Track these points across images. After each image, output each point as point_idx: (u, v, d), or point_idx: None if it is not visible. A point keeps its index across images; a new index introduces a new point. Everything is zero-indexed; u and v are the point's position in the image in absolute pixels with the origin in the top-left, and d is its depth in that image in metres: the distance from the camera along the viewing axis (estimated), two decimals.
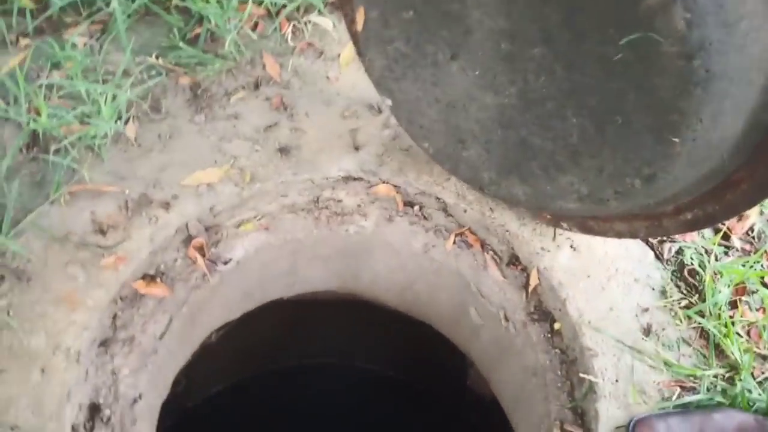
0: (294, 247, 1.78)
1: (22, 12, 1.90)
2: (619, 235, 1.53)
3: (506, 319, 1.69)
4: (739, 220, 1.77)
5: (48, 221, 1.60)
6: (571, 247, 1.68)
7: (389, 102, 1.49)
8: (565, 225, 1.61)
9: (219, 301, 1.77)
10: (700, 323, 1.57)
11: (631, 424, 1.40)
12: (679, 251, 1.70)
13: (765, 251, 1.69)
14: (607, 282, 1.64)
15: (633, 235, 1.51)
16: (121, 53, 1.88)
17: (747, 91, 1.12)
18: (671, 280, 1.66)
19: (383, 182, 1.77)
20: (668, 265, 1.68)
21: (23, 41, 1.90)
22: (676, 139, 1.14)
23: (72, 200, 1.64)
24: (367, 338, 2.64)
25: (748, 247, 1.74)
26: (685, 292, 1.63)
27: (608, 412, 1.47)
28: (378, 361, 2.95)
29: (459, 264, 1.75)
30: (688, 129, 1.13)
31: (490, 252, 1.74)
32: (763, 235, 1.76)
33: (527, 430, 1.65)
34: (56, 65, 1.83)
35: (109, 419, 1.46)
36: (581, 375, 1.52)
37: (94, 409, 1.46)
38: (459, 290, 1.79)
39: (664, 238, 1.70)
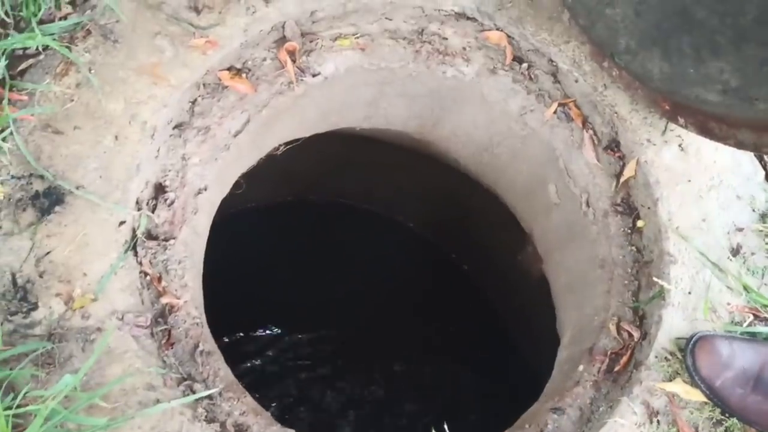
0: (385, 77, 1.68)
1: None
2: (741, 145, 1.40)
3: (587, 204, 1.60)
4: None
5: None
6: (680, 146, 1.56)
7: None
8: (682, 120, 1.48)
9: (297, 114, 1.69)
10: None
11: (694, 339, 1.34)
12: None
13: None
14: (708, 192, 1.53)
15: (757, 149, 1.38)
16: None
17: None
18: None
19: (497, 29, 1.63)
20: None
21: None
22: None
23: None
24: (426, 200, 2.57)
25: None
26: None
27: (672, 320, 1.41)
28: (431, 228, 2.90)
29: (552, 136, 1.64)
30: None
31: (591, 131, 1.62)
32: None
33: (574, 318, 1.61)
34: None
35: (172, 203, 1.43)
36: (654, 278, 1.45)
37: (160, 189, 1.43)
38: (543, 163, 1.69)
39: None
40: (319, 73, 1.61)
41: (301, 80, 1.59)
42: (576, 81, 1.60)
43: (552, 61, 1.61)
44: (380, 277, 2.80)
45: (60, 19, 1.43)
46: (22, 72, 1.39)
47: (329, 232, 2.88)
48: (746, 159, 1.56)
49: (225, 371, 1.35)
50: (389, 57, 1.65)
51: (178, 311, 1.34)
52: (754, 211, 1.53)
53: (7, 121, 1.32)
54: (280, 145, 1.86)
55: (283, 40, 1.57)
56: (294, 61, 1.58)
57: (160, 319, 1.32)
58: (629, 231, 1.56)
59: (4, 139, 1.32)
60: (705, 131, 1.45)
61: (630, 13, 1.26)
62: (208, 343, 1.36)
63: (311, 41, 1.61)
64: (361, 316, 2.81)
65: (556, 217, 1.74)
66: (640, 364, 1.38)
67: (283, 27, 1.56)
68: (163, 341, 1.30)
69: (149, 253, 1.37)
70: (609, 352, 1.44)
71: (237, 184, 1.77)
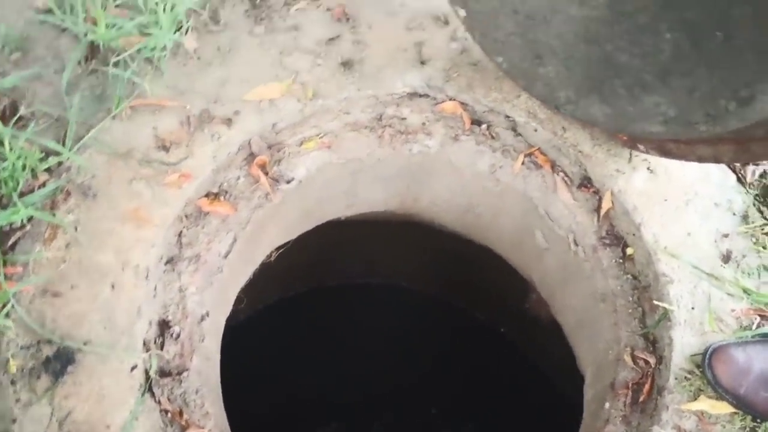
0: (355, 167, 1.74)
1: None
2: (701, 159, 1.45)
3: (575, 243, 1.64)
4: None
5: (111, 136, 1.58)
6: (648, 169, 1.61)
7: (463, 13, 1.40)
8: (642, 147, 1.53)
9: (280, 220, 1.75)
10: None
11: (709, 352, 1.36)
12: (764, 174, 1.61)
13: None
14: (685, 206, 1.57)
15: (716, 160, 1.42)
16: None
17: None
18: (754, 205, 1.58)
19: (450, 99, 1.70)
20: (751, 189, 1.60)
21: None
22: None
23: (133, 115, 1.61)
24: (424, 261, 2.61)
25: None
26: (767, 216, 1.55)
27: (683, 339, 1.43)
28: (435, 285, 2.94)
29: (526, 186, 1.69)
30: None
31: (561, 173, 1.67)
32: None
33: (592, 355, 1.63)
34: None
35: (178, 335, 1.47)
36: (655, 302, 1.48)
37: (164, 326, 1.48)
38: (524, 213, 1.74)
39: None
40: (292, 179, 1.67)
41: (277, 189, 1.65)
42: (535, 130, 1.66)
43: (508, 116, 1.68)
44: (408, 347, 2.83)
45: (39, 187, 1.50)
46: (13, 245, 1.45)
47: (344, 315, 2.91)
48: (714, 167, 1.60)
49: None
50: (355, 148, 1.72)
51: None
52: (734, 214, 1.56)
53: (7, 297, 1.37)
54: (272, 252, 1.91)
55: (252, 156, 1.64)
56: (266, 173, 1.64)
57: None
58: (621, 260, 1.59)
59: (7, 314, 1.37)
60: (665, 153, 1.50)
61: (561, 69, 1.32)
62: None
63: (279, 150, 1.68)
64: (400, 392, 2.83)
65: (549, 261, 1.77)
66: (663, 389, 1.39)
67: (249, 144, 1.63)
68: None
69: (166, 390, 1.40)
70: (630, 383, 1.45)
71: (238, 299, 1.82)
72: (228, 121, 1.62)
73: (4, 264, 1.42)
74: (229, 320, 1.72)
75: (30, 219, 1.46)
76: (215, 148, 1.59)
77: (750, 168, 1.61)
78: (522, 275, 1.97)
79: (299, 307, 3.07)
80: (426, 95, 1.71)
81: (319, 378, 2.84)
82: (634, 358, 1.47)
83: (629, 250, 1.57)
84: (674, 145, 1.47)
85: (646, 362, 1.46)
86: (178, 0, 1.68)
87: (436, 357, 2.98)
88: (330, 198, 1.84)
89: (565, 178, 1.66)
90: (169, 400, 1.39)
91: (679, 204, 1.57)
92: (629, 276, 1.57)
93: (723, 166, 1.61)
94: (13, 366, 1.34)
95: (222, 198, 1.61)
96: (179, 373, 1.43)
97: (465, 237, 2.05)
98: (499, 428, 2.88)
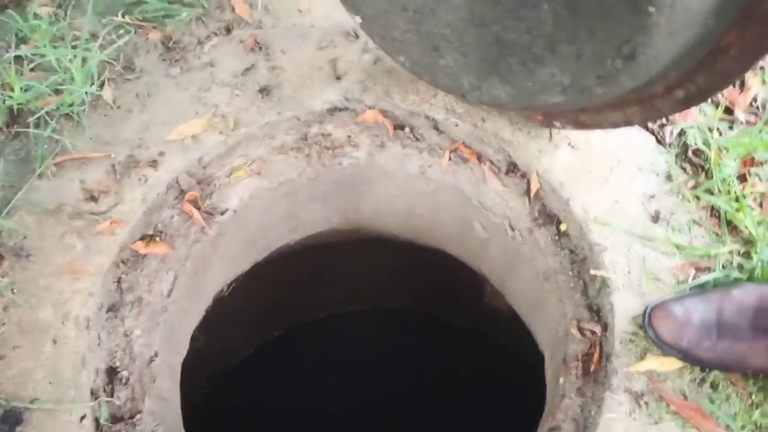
0: (289, 189, 1.76)
1: None
2: (614, 125, 1.48)
3: (511, 228, 1.66)
4: (742, 92, 1.70)
5: (39, 196, 1.59)
6: (570, 145, 1.63)
7: (359, 19, 1.43)
8: (557, 123, 1.56)
9: (223, 253, 1.76)
10: (709, 201, 1.52)
11: (648, 311, 1.37)
12: (682, 133, 1.64)
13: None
14: (610, 174, 1.59)
15: (628, 123, 1.45)
16: (88, 19, 1.84)
17: None
18: (676, 163, 1.60)
19: (370, 108, 1.73)
20: (671, 148, 1.63)
21: None
22: (652, 8, 1.07)
23: (59, 171, 1.62)
24: (379, 277, 2.62)
25: (752, 119, 1.67)
26: (691, 173, 1.58)
27: (623, 303, 1.44)
28: (407, 300, 2.94)
29: (457, 180, 1.71)
30: None
31: (488, 163, 1.69)
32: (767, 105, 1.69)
33: (546, 335, 1.63)
34: (23, 39, 1.79)
35: (127, 380, 1.47)
36: (592, 271, 1.49)
37: (112, 372, 1.47)
38: (461, 207, 1.75)
39: (665, 122, 1.64)
40: (226, 209, 1.68)
41: (213, 222, 1.66)
42: (456, 125, 1.69)
43: (428, 116, 1.70)
44: (394, 368, 2.83)
45: None
46: None
47: (334, 347, 2.90)
48: (634, 133, 1.63)
49: None
50: (285, 170, 1.73)
51: None
52: (658, 175, 1.58)
53: None
54: (223, 287, 1.91)
55: (182, 193, 1.65)
56: (199, 208, 1.66)
57: None
58: (557, 237, 1.60)
59: None
60: (580, 125, 1.53)
61: (458, 57, 1.35)
62: None
63: (209, 184, 1.69)
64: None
65: (493, 250, 1.78)
66: (610, 355, 1.40)
67: (177, 182, 1.64)
68: None
69: None
70: (580, 355, 1.46)
71: (195, 338, 1.81)
72: (153, 163, 1.64)
73: None
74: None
75: None
76: (144, 191, 1.61)
77: (668, 128, 1.63)
78: (474, 269, 1.98)
79: (288, 346, 3.08)
80: (346, 108, 1.73)
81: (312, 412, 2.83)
82: (580, 330, 1.48)
83: (563, 227, 1.59)
84: (586, 116, 1.50)
85: (593, 332, 1.46)
86: (89, 54, 1.71)
87: (423, 373, 2.98)
88: (271, 224, 1.85)
89: (492, 167, 1.69)
90: None
91: (604, 173, 1.59)
92: (566, 251, 1.59)
93: (642, 131, 1.64)
94: None
95: (158, 239, 1.62)
96: (131, 417, 1.42)
97: (415, 242, 2.07)
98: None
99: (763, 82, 1.72)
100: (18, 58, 1.75)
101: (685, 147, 1.61)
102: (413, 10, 1.33)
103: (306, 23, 1.85)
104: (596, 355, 1.44)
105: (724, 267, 1.44)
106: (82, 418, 1.36)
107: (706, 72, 1.27)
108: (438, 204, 1.81)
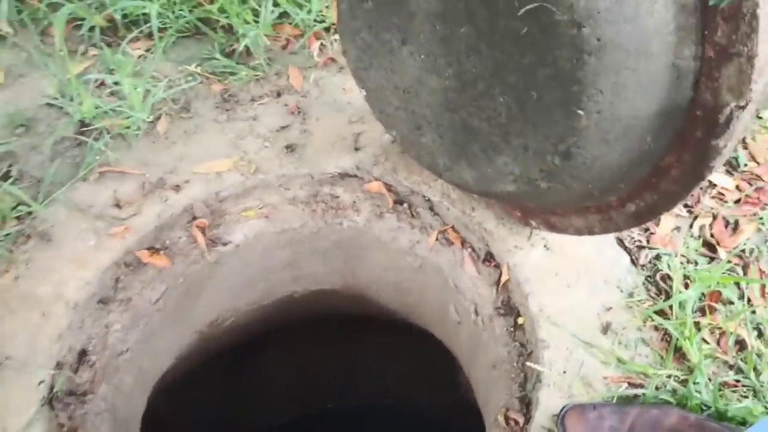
0: (292, 237, 1.92)
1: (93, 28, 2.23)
2: (578, 231, 1.55)
3: (476, 313, 1.73)
4: (733, 233, 1.72)
5: (76, 194, 1.84)
6: (545, 247, 1.71)
7: (364, 92, 1.62)
8: (533, 222, 1.65)
9: (220, 282, 1.93)
10: (661, 324, 1.53)
11: (564, 410, 1.39)
12: (658, 257, 1.67)
13: (749, 264, 1.63)
14: (575, 281, 1.64)
15: (590, 231, 1.52)
16: (169, 63, 2.15)
17: (649, 65, 1.15)
18: (643, 284, 1.63)
19: (376, 180, 1.89)
20: (643, 270, 1.66)
21: (92, 51, 2.21)
22: (581, 111, 1.19)
23: (100, 179, 1.88)
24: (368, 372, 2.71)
25: (737, 260, 1.68)
26: (654, 295, 1.60)
27: (549, 400, 1.46)
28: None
29: (439, 260, 1.81)
30: (589, 100, 1.17)
31: (469, 249, 1.79)
32: (755, 251, 1.69)
33: (488, 422, 1.65)
34: (111, 71, 2.12)
35: (93, 364, 1.64)
36: (527, 364, 1.52)
37: (83, 354, 1.64)
38: (441, 287, 1.84)
39: (643, 245, 1.69)
40: (229, 242, 1.87)
41: (214, 250, 1.85)
42: (448, 209, 1.81)
43: (425, 197, 1.84)
44: None
45: (6, 234, 1.76)
46: None
47: None
48: (609, 247, 1.69)
49: None
50: (291, 219, 1.91)
51: None
52: (622, 291, 1.62)
53: None
54: (220, 319, 2.07)
55: (194, 219, 1.86)
56: (204, 235, 1.85)
57: None
58: (512, 329, 1.65)
59: None
60: (550, 227, 1.61)
61: (436, 137, 1.50)
62: None
63: (220, 216, 1.89)
64: None
65: (463, 335, 1.84)
66: None
67: (192, 208, 1.85)
68: None
69: (69, 408, 1.54)
70: None
71: (181, 360, 1.97)
72: (177, 188, 1.86)
73: None
74: None
75: None
76: (161, 209, 1.82)
77: (644, 251, 1.67)
78: (454, 356, 2.03)
79: None
80: (355, 176, 1.90)
81: None
82: (506, 418, 1.51)
83: (520, 320, 1.64)
84: (555, 219, 1.59)
85: (516, 422, 1.48)
86: (154, 90, 2.00)
87: None
88: (273, 268, 2.01)
89: (472, 254, 1.78)
90: (69, 417, 1.53)
91: (570, 279, 1.64)
92: (517, 343, 1.63)
93: (618, 248, 1.69)
94: None
95: (161, 252, 1.82)
96: (84, 395, 1.57)
97: (406, 320, 2.15)
98: None
99: (759, 229, 1.73)
100: (103, 84, 2.07)
101: (656, 271, 1.64)
102: (403, 89, 1.51)
103: (344, 100, 2.07)
104: None
105: (657, 388, 1.44)
106: (41, 382, 1.53)
107: (652, 190, 1.34)
108: (423, 282, 1.91)
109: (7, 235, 1.74)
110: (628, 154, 1.27)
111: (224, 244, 1.86)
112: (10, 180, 1.86)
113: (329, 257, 2.01)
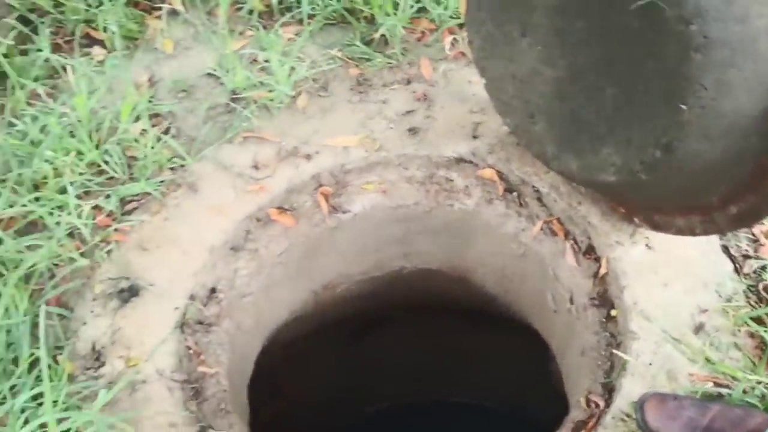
0: (405, 213, 2.07)
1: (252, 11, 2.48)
2: (680, 231, 1.59)
3: (571, 302, 1.79)
4: None
5: (222, 153, 2.08)
6: (647, 245, 1.75)
7: (484, 80, 1.73)
8: (636, 220, 1.70)
9: (336, 247, 2.10)
10: (757, 330, 1.54)
11: (646, 396, 1.43)
12: (764, 268, 1.67)
13: None
14: (673, 280, 1.67)
15: (691, 232, 1.56)
16: (314, 46, 2.37)
17: (757, 65, 1.20)
18: (743, 292, 1.64)
19: (489, 167, 2.00)
20: (746, 279, 1.66)
21: (249, 31, 2.47)
22: (684, 106, 1.25)
23: (243, 142, 2.11)
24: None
25: None
26: (753, 303, 1.61)
27: (631, 388, 1.51)
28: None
29: (542, 249, 1.89)
30: (693, 95, 1.23)
31: (571, 241, 1.86)
32: None
33: (571, 405, 1.72)
34: (264, 49, 2.35)
35: (220, 301, 1.86)
36: (615, 352, 1.58)
37: (213, 291, 1.87)
38: (541, 275, 1.92)
39: (750, 254, 1.69)
40: (349, 210, 2.05)
41: (333, 216, 2.03)
42: (555, 201, 1.89)
43: (535, 187, 1.93)
44: None
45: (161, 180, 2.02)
46: (129, 211, 1.96)
47: None
48: (713, 252, 1.70)
49: (240, 427, 1.64)
50: (406, 196, 2.06)
51: (209, 378, 1.69)
52: (720, 296, 1.63)
53: (111, 241, 1.86)
54: (333, 283, 2.25)
55: (320, 186, 2.05)
56: (327, 202, 2.03)
57: (193, 381, 1.68)
58: (604, 320, 1.71)
59: (108, 252, 1.85)
60: (653, 225, 1.66)
61: (546, 126, 1.59)
62: (231, 404, 1.67)
63: (343, 187, 2.07)
64: None
65: (557, 323, 1.91)
66: (598, 425, 1.47)
67: (319, 176, 2.04)
68: (191, 395, 1.64)
69: (196, 334, 1.77)
70: (576, 421, 1.54)
71: (296, 318, 2.17)
72: (308, 157, 2.06)
73: (120, 221, 1.93)
74: None
75: (146, 195, 1.97)
76: (292, 174, 2.03)
77: (750, 261, 1.68)
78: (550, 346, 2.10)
79: None
80: (470, 162, 2.02)
81: None
82: (588, 400, 1.57)
83: (614, 312, 1.69)
84: (659, 217, 1.63)
85: (597, 405, 1.54)
86: (298, 69, 2.22)
87: None
88: (385, 241, 2.17)
89: (574, 245, 1.85)
90: (195, 342, 1.76)
91: (668, 278, 1.68)
92: (608, 333, 1.68)
93: (723, 255, 1.70)
94: (98, 288, 1.80)
95: (288, 213, 2.02)
96: (210, 325, 1.80)
97: (507, 309, 2.24)
98: None
99: None
100: (255, 60, 2.32)
101: (760, 281, 1.64)
102: (519, 79, 1.61)
103: (469, 91, 2.19)
104: (591, 425, 1.51)
105: (744, 392, 1.45)
106: (176, 308, 1.76)
107: (754, 192, 1.37)
108: (525, 269, 1.99)
109: (162, 181, 2.00)
110: (729, 152, 1.31)
111: (344, 212, 2.04)
112: (169, 135, 2.13)
113: (438, 237, 2.13)
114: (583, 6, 1.36)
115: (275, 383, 2.36)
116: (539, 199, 1.94)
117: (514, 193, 1.98)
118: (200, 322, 1.80)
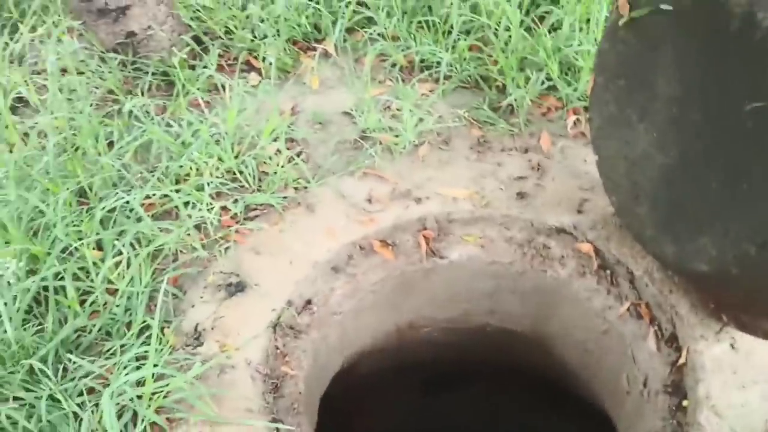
0: (498, 270, 2.17)
1: (395, 65, 2.70)
2: (766, 335, 1.60)
3: (644, 385, 1.81)
4: None
5: (342, 184, 2.27)
6: (731, 345, 1.75)
7: (596, 157, 1.83)
8: (724, 318, 1.72)
9: (428, 289, 2.22)
10: None
11: None
12: None
13: None
14: (752, 384, 1.67)
15: None
16: (444, 104, 2.55)
17: None
18: None
19: (588, 242, 2.07)
20: None
21: (388, 82, 2.68)
22: None
23: (363, 177, 2.29)
24: None
25: None
26: None
27: None
28: None
29: (625, 329, 1.93)
30: None
31: (656, 327, 1.89)
32: None
33: None
34: (398, 98, 2.56)
35: (313, 313, 2.01)
36: None
37: (308, 302, 2.03)
38: (620, 355, 1.95)
39: None
40: (446, 257, 2.17)
41: (431, 259, 2.16)
42: (647, 285, 1.93)
43: (629, 269, 1.98)
44: None
45: (284, 197, 2.23)
46: (252, 218, 2.18)
47: None
48: None
49: (307, 429, 1.76)
50: (502, 255, 2.16)
51: (288, 378, 1.84)
52: None
53: (231, 242, 2.07)
54: (418, 323, 2.36)
55: (423, 228, 2.19)
56: (428, 244, 2.17)
57: (275, 378, 1.83)
58: (674, 408, 1.72)
59: (226, 249, 2.06)
60: (740, 325, 1.67)
61: (649, 209, 1.66)
62: (303, 407, 1.80)
63: (445, 234, 2.20)
64: None
65: (628, 405, 1.92)
66: None
67: (425, 219, 2.19)
68: (270, 389, 1.79)
69: (286, 336, 1.92)
70: None
71: (374, 341, 2.29)
72: (418, 200, 2.21)
73: (241, 225, 2.14)
74: None
75: (269, 206, 2.18)
76: (401, 213, 2.18)
77: None
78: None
79: None
80: (571, 234, 2.10)
81: None
82: None
83: (685, 402, 1.71)
84: (746, 318, 1.65)
85: None
86: (424, 120, 2.40)
87: None
88: (475, 292, 2.27)
89: (657, 332, 1.88)
90: (284, 344, 1.91)
91: (747, 380, 1.68)
92: (675, 421, 1.69)
93: None
94: (210, 278, 2.00)
95: (390, 247, 2.17)
96: (299, 332, 1.95)
97: (577, 380, 2.26)
98: None
99: None
100: (388, 107, 2.52)
101: None
102: (630, 161, 1.70)
103: (582, 169, 2.28)
104: None
105: None
106: (273, 310, 1.93)
107: None
108: (605, 347, 2.03)
109: (285, 197, 2.21)
110: None
111: (441, 257, 2.16)
112: (300, 159, 2.35)
113: (526, 300, 2.21)
114: (702, 100, 1.45)
115: (347, 409, 2.47)
116: (631, 281, 1.99)
117: (608, 271, 2.04)
118: (291, 327, 1.96)
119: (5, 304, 1.75)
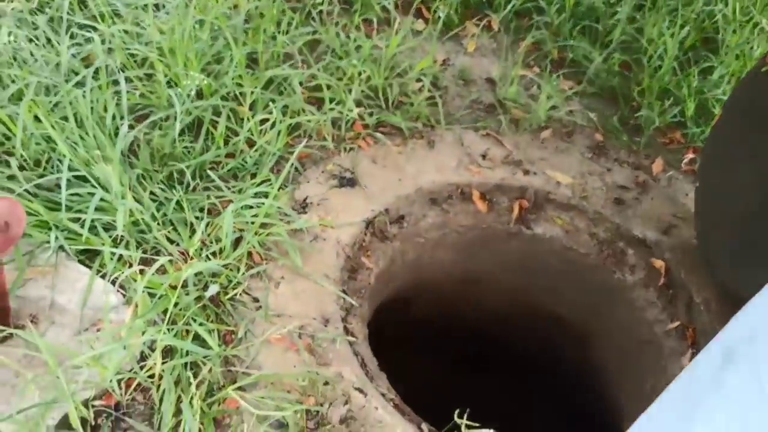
0: (573, 257, 2.35)
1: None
2: None
3: None
4: None
5: (465, 134, 2.50)
6: None
7: (697, 184, 2.00)
8: None
9: (505, 249, 2.43)
10: None
11: None
12: None
13: None
14: None
15: None
16: (579, 104, 2.74)
17: None
18: None
19: (661, 259, 2.23)
20: None
21: (536, 69, 2.89)
22: None
23: (485, 136, 2.52)
24: None
25: None
26: None
27: None
28: None
29: (665, 343, 2.09)
30: None
31: (695, 350, 2.04)
32: None
33: None
34: (539, 85, 2.76)
35: (403, 227, 2.26)
36: None
37: (401, 217, 2.28)
38: (652, 364, 2.12)
39: None
40: (531, 229, 2.37)
41: (518, 225, 2.37)
42: (700, 313, 2.08)
43: (690, 295, 2.13)
44: None
45: (414, 126, 2.48)
46: (381, 132, 2.44)
47: None
48: None
49: (361, 320, 2.02)
50: (581, 245, 2.35)
51: (365, 269, 2.10)
52: None
53: (356, 146, 2.35)
54: (482, 281, 2.58)
55: (522, 197, 2.40)
56: (520, 212, 2.38)
57: (353, 261, 2.09)
58: None
59: (349, 151, 2.34)
60: None
61: (728, 236, 1.82)
62: (368, 295, 2.05)
63: (538, 209, 2.40)
64: None
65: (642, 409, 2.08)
66: None
67: (525, 190, 2.40)
68: (348, 268, 2.05)
69: (375, 236, 2.19)
70: None
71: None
72: (526, 172, 2.42)
73: (369, 133, 2.41)
74: None
75: (397, 129, 2.44)
76: (507, 176, 2.40)
77: None
78: None
79: None
80: (650, 248, 2.27)
81: None
82: None
83: None
84: None
85: None
86: (557, 108, 2.60)
87: None
88: (545, 274, 2.46)
89: (695, 354, 2.03)
90: (371, 241, 2.17)
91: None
92: None
93: None
94: (329, 166, 2.28)
95: (486, 202, 2.39)
96: (386, 238, 2.21)
97: (617, 385, 2.43)
98: None
99: None
100: (532, 86, 2.73)
101: None
102: (725, 193, 1.86)
103: (681, 200, 2.43)
104: None
105: None
106: (372, 211, 2.19)
107: None
108: (642, 355, 2.19)
109: (415, 127, 2.46)
110: None
111: (527, 228, 2.37)
112: (437, 101, 2.59)
113: (588, 291, 2.39)
114: None
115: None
116: (688, 305, 2.14)
117: (671, 291, 2.19)
118: (381, 231, 2.21)
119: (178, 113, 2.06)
